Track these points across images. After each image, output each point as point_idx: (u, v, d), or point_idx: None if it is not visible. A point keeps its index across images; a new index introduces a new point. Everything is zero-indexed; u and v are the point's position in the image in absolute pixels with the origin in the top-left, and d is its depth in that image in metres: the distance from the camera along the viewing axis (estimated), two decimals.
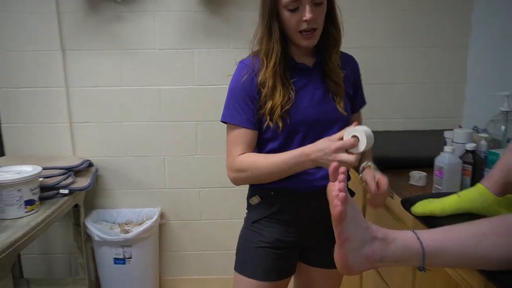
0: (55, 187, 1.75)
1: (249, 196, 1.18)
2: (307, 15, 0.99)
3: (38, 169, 1.61)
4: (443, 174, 1.12)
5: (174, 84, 2.08)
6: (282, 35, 1.06)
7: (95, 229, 1.94)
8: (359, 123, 1.12)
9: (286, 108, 1.05)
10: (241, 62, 1.12)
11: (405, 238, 0.74)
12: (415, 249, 0.72)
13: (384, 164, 1.47)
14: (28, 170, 1.59)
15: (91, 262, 2.14)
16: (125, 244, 1.93)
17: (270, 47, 1.05)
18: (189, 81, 2.08)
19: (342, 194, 0.68)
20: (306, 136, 1.08)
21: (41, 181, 1.68)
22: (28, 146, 2.09)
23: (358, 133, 0.92)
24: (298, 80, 1.09)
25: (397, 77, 2.12)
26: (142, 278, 2.05)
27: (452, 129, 1.35)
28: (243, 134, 1.08)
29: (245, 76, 1.08)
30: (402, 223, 1.25)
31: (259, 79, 1.06)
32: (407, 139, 1.94)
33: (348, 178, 1.15)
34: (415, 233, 0.74)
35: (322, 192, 0.93)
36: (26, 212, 1.55)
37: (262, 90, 1.06)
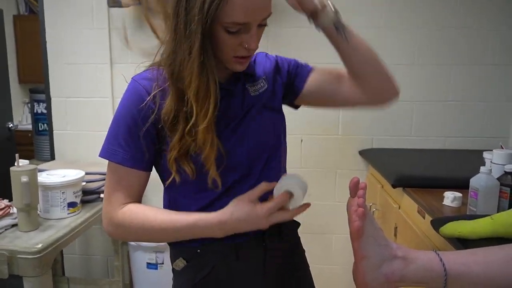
0: (96, 191, 1.84)
1: (172, 259, 0.93)
2: (252, 44, 0.78)
3: (81, 173, 1.71)
4: (478, 195, 1.07)
5: None
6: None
7: None
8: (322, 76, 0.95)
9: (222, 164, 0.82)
10: (135, 80, 0.85)
11: (427, 259, 0.71)
12: (437, 271, 0.69)
13: (419, 183, 1.44)
14: (72, 174, 1.69)
15: (127, 265, 2.21)
16: (158, 249, 1.99)
17: (204, 84, 0.76)
18: None
19: (360, 209, 0.67)
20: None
21: (84, 185, 1.78)
22: (75, 151, 2.22)
23: (290, 187, 0.80)
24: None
25: (440, 95, 2.05)
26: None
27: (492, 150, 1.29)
28: (130, 177, 0.85)
29: (140, 102, 0.82)
30: (433, 245, 1.20)
31: (162, 113, 0.80)
32: (446, 158, 1.86)
33: None
34: (438, 254, 0.71)
35: (265, 237, 0.86)
36: (68, 213, 1.64)
37: (165, 128, 0.81)
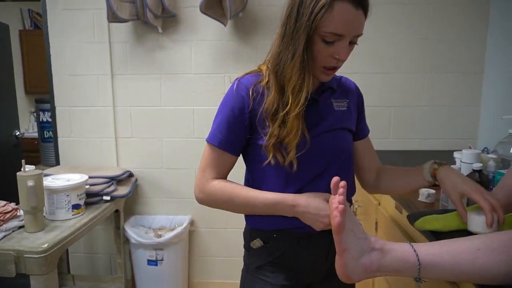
0: (99, 194, 1.83)
1: (249, 238, 1.02)
2: (343, 55, 0.84)
3: (85, 177, 1.70)
4: None
5: (206, 105, 2.14)
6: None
7: (133, 232, 2.00)
8: (368, 149, 1.11)
9: (302, 152, 0.89)
10: (239, 81, 0.95)
11: (402, 250, 0.72)
12: (412, 261, 0.70)
13: None
14: (76, 178, 1.68)
15: (128, 262, 2.20)
16: (158, 247, 1.98)
17: (300, 81, 0.86)
18: (220, 102, 2.13)
19: (341, 206, 0.68)
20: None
21: (87, 188, 1.77)
22: (79, 157, 2.21)
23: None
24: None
25: (417, 100, 2.08)
26: (172, 279, 2.08)
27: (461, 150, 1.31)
28: (222, 158, 0.95)
29: (240, 98, 0.92)
30: (409, 238, 1.22)
31: (265, 106, 0.90)
32: (421, 158, 1.88)
33: (354, 191, 1.09)
34: (412, 246, 0.72)
35: (327, 232, 0.86)
36: (72, 215, 1.63)
37: (266, 120, 0.90)
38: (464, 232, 0.87)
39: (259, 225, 0.99)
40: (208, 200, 0.97)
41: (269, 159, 0.90)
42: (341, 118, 0.99)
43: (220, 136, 0.94)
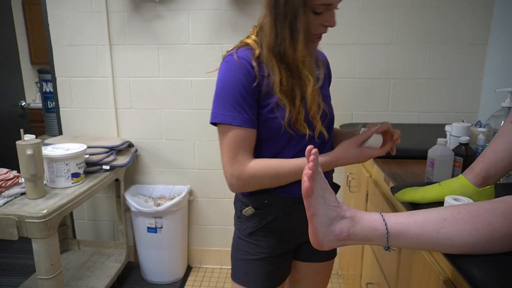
0: (98, 163, 1.88)
1: (240, 207, 1.04)
2: (333, 22, 0.90)
3: (84, 147, 1.74)
4: (434, 165, 1.09)
5: (204, 76, 2.14)
6: None
7: (132, 201, 2.07)
8: None
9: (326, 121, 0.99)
10: (238, 55, 0.92)
11: (372, 219, 0.74)
12: (380, 230, 0.72)
13: (388, 154, 1.46)
14: (75, 147, 1.72)
15: (130, 229, 2.28)
16: (157, 215, 2.04)
17: (295, 47, 0.89)
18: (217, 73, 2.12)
19: (309, 172, 0.70)
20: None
21: (87, 157, 1.81)
22: (80, 127, 2.25)
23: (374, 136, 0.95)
24: None
25: (416, 72, 2.04)
26: (171, 246, 2.16)
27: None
28: (247, 136, 0.92)
29: (247, 72, 0.91)
30: (394, 209, 1.24)
31: (276, 79, 0.91)
32: (418, 132, 1.87)
33: (332, 171, 1.11)
34: (382, 215, 0.74)
35: None
36: (72, 183, 1.68)
37: (264, 86, 0.92)
38: (441, 205, 0.88)
39: (251, 193, 1.01)
40: (251, 184, 0.94)
41: (307, 133, 0.94)
42: (324, 85, 1.05)
43: (240, 115, 0.90)
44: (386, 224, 0.72)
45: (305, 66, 0.92)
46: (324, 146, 1.03)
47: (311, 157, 0.72)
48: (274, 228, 1.03)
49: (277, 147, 0.97)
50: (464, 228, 0.68)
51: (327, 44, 1.99)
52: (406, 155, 1.46)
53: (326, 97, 1.05)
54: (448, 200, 0.83)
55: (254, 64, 0.92)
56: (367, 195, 1.57)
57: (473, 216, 0.68)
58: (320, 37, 0.94)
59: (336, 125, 2.10)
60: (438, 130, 1.83)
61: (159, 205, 2.10)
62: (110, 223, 2.39)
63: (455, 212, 0.70)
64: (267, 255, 1.04)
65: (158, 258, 2.15)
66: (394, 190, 1.04)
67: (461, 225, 0.68)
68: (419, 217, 0.72)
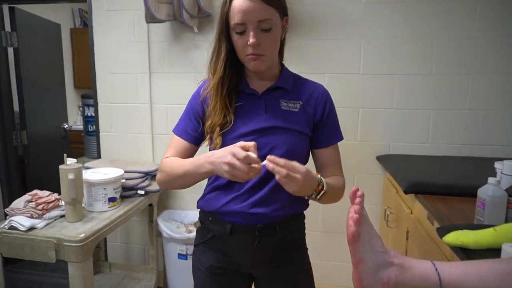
0: (134, 188, 1.91)
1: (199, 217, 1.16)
2: (251, 40, 0.94)
3: (121, 172, 1.78)
4: (485, 206, 1.02)
5: None
6: (235, 57, 1.01)
7: (165, 226, 2.07)
8: (331, 161, 1.08)
9: (225, 129, 1.00)
10: (203, 81, 1.10)
11: (423, 267, 0.69)
12: (432, 280, 0.67)
13: (430, 190, 1.40)
14: (113, 172, 1.77)
15: (161, 254, 2.28)
16: (188, 242, 2.03)
17: (216, 67, 1.01)
18: None
19: (355, 215, 0.67)
20: None
21: (123, 182, 1.85)
22: (118, 151, 2.32)
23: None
24: (244, 104, 1.03)
25: (457, 103, 1.97)
26: None
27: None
28: (178, 143, 1.08)
29: (197, 96, 1.08)
30: (440, 251, 1.16)
31: (202, 97, 1.05)
32: (461, 165, 1.78)
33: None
34: (434, 264, 0.69)
35: (254, 227, 1.00)
36: (109, 207, 1.72)
37: (206, 108, 1.04)
38: (497, 251, 0.82)
39: (201, 205, 1.10)
40: (159, 177, 1.05)
41: (207, 137, 1.04)
42: (286, 117, 1.02)
43: (180, 125, 1.10)
44: (439, 273, 0.67)
45: (218, 91, 1.01)
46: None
47: (357, 199, 0.69)
48: (213, 247, 1.09)
49: None
50: None
51: (364, 74, 1.96)
52: (450, 192, 1.38)
53: (293, 131, 1.01)
54: (507, 250, 0.77)
55: (203, 92, 1.07)
56: (407, 232, 1.49)
57: None
58: (254, 57, 0.96)
59: (372, 156, 2.05)
60: (483, 164, 1.74)
61: (190, 231, 2.10)
62: (142, 247, 2.41)
63: None
64: (205, 270, 1.09)
65: (187, 285, 2.13)
66: (442, 231, 0.98)
67: None
68: (476, 269, 0.67)
